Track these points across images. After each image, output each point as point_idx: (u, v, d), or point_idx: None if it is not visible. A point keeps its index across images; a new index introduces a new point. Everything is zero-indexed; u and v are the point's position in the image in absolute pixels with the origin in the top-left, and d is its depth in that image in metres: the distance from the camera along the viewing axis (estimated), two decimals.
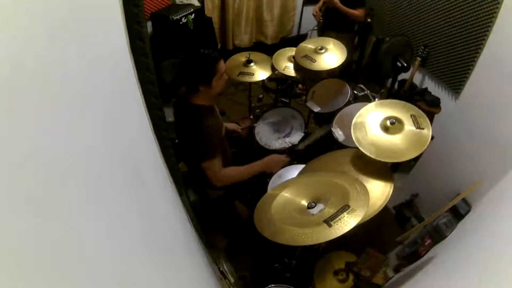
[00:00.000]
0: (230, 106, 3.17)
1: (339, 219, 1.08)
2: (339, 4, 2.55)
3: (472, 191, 1.56)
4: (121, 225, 0.57)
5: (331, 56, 2.11)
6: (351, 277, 1.68)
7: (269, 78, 2.47)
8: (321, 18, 2.86)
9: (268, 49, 2.93)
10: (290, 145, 2.02)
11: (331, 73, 2.28)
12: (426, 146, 1.30)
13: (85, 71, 0.52)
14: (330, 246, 1.83)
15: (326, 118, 2.07)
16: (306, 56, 2.14)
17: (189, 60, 1.53)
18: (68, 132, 0.43)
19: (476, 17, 2.07)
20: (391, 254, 1.81)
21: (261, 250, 1.98)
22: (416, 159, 2.07)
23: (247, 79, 2.24)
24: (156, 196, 0.91)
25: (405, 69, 2.54)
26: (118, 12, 0.73)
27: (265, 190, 1.59)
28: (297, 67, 2.22)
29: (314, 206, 1.20)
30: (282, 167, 1.74)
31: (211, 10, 3.24)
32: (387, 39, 2.61)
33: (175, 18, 2.67)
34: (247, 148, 2.09)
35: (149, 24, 2.72)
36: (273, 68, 2.28)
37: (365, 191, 1.18)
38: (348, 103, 2.01)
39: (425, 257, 1.52)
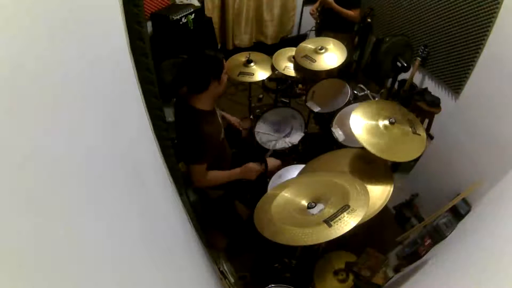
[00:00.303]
0: (230, 106, 3.17)
1: (339, 219, 1.08)
2: (334, 4, 2.55)
3: (472, 191, 1.56)
4: (121, 225, 0.57)
5: (331, 56, 2.11)
6: (351, 277, 1.68)
7: (269, 78, 2.47)
8: (318, 18, 2.85)
9: (268, 49, 2.93)
10: (290, 145, 2.02)
11: (330, 73, 2.28)
12: (424, 149, 1.31)
13: (85, 71, 0.52)
14: (330, 246, 1.83)
15: (326, 118, 2.07)
16: (306, 56, 2.14)
17: (196, 60, 1.54)
18: (68, 132, 0.43)
19: (476, 17, 2.07)
20: (391, 254, 1.81)
21: (261, 250, 1.98)
22: (416, 159, 2.07)
23: (247, 79, 2.24)
24: (156, 196, 0.91)
25: (405, 69, 2.54)
26: (118, 12, 0.73)
27: (265, 190, 1.59)
28: (297, 67, 2.22)
29: (314, 206, 1.20)
30: (273, 170, 1.76)
31: (211, 10, 3.24)
32: (387, 39, 2.61)
33: (175, 18, 2.67)
34: (247, 148, 2.09)
35: (149, 24, 2.72)
36: (273, 68, 2.28)
37: (365, 191, 1.18)
38: (348, 103, 2.01)
39: (425, 257, 1.52)
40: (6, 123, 0.30)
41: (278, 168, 1.80)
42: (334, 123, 1.92)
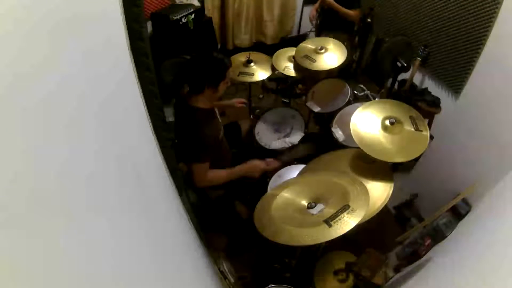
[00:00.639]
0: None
1: (339, 219, 1.08)
2: (334, 3, 2.55)
3: (472, 191, 1.56)
4: (120, 225, 0.57)
5: (331, 56, 2.11)
6: (351, 277, 1.68)
7: (269, 78, 2.47)
8: (317, 19, 2.86)
9: (268, 49, 2.93)
10: (290, 145, 2.02)
11: (330, 73, 2.28)
12: (425, 148, 1.30)
13: (85, 71, 0.52)
14: (330, 246, 1.83)
15: (326, 118, 2.07)
16: (306, 56, 2.14)
17: (202, 60, 1.55)
18: (68, 132, 0.43)
19: (476, 17, 2.07)
20: (391, 254, 1.81)
21: (261, 250, 1.98)
22: (416, 159, 2.07)
23: (247, 79, 2.24)
24: (156, 196, 0.91)
25: (405, 69, 2.54)
26: (118, 12, 0.73)
27: (265, 190, 1.59)
28: (297, 67, 2.22)
29: (314, 206, 1.20)
30: (271, 171, 1.75)
31: (211, 10, 3.23)
32: (387, 39, 2.61)
33: (175, 18, 2.67)
34: (247, 148, 2.09)
35: (149, 24, 2.72)
36: (273, 68, 2.28)
37: (365, 191, 1.18)
38: (348, 103, 2.01)
39: (425, 257, 1.52)
40: (6, 123, 0.30)
41: (278, 168, 1.80)
42: (334, 123, 1.92)
